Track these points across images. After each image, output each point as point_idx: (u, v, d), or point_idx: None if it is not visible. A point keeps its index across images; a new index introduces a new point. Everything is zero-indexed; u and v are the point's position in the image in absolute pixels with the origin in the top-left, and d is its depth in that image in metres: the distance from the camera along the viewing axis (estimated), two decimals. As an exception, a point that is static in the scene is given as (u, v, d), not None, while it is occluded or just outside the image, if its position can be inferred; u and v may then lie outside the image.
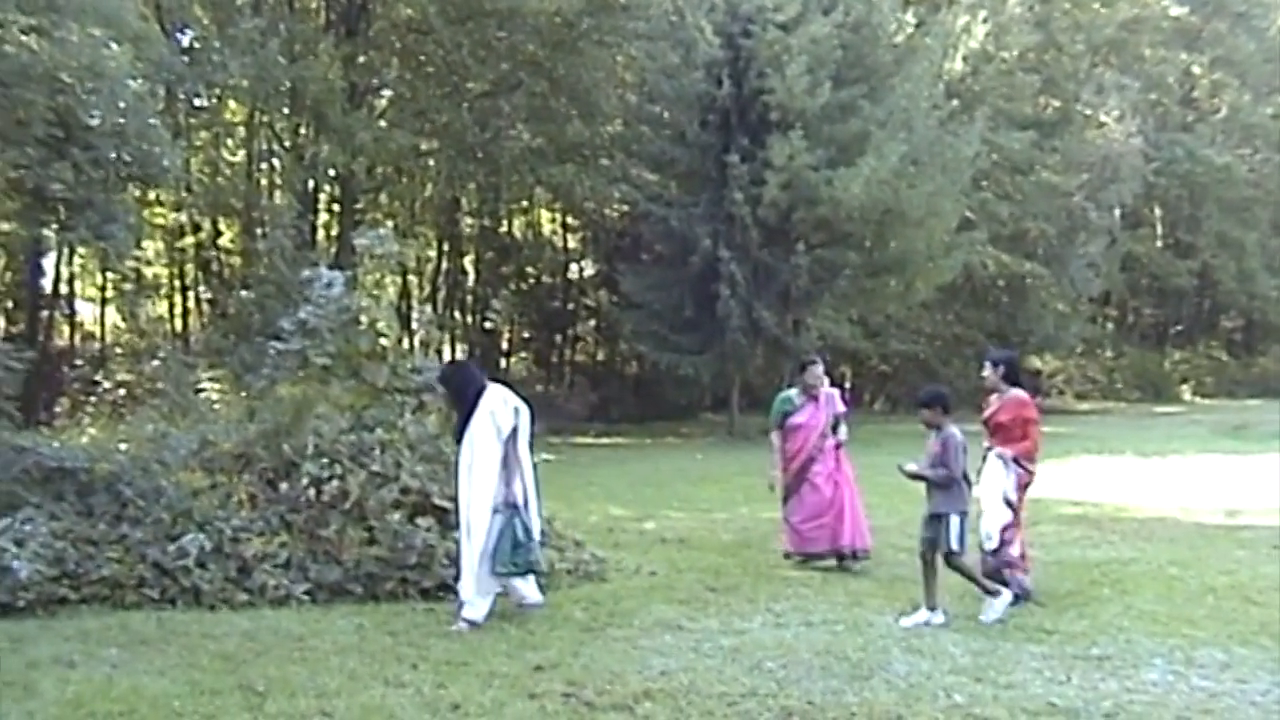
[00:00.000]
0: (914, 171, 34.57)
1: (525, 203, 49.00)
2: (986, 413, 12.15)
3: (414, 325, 25.39)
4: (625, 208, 42.26)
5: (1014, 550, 11.63)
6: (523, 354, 52.47)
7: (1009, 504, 11.46)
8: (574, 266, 51.99)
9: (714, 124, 35.76)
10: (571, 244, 51.99)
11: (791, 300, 35.85)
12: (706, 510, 19.40)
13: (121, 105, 20.79)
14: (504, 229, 50.68)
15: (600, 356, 51.92)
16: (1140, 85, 52.75)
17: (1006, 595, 10.87)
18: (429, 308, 42.50)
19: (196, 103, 35.66)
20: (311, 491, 12.01)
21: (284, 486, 12.23)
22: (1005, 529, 11.42)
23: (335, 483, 11.97)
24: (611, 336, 48.58)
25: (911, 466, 11.29)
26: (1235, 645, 9.91)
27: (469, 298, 50.11)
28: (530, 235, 51.79)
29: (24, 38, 19.40)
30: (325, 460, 12.18)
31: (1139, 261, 57.91)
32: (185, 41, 33.35)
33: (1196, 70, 60.52)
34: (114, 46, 20.69)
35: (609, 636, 10.26)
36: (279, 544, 11.74)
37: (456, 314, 48.21)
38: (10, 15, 19.10)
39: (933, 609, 10.70)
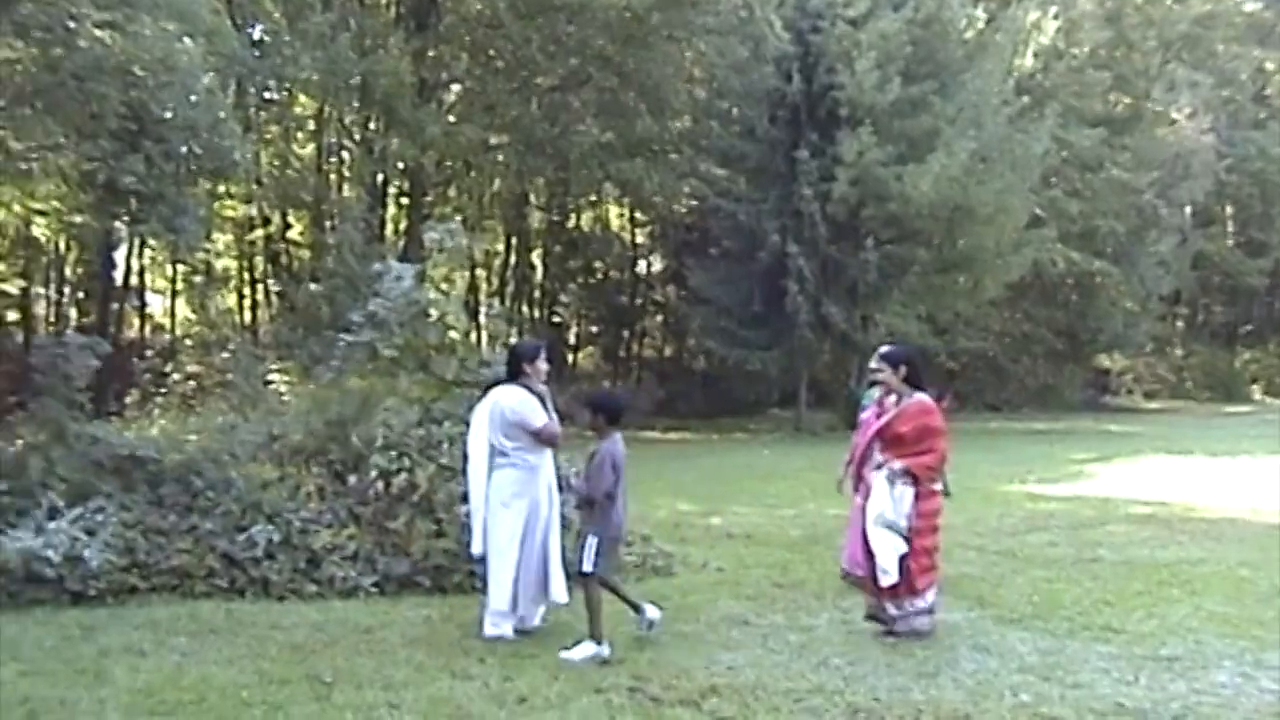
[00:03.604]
0: (983, 168, 34.46)
1: (594, 197, 49.01)
2: (880, 421, 10.54)
3: (482, 319, 25.48)
4: (694, 203, 42.35)
5: (930, 596, 10.22)
6: (590, 349, 52.51)
7: (893, 528, 10.01)
8: (642, 262, 52.08)
9: (783, 119, 35.75)
10: (640, 239, 52.03)
11: (860, 296, 35.79)
12: (774, 506, 19.35)
13: (193, 99, 20.94)
14: (572, 223, 50.81)
15: (668, 352, 51.95)
16: (1212, 82, 52.34)
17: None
18: (497, 302, 42.61)
19: (267, 96, 35.89)
20: (380, 484, 12.07)
21: (352, 479, 12.31)
22: (908, 559, 10.03)
23: (404, 475, 12.01)
24: (679, 332, 48.68)
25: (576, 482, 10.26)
26: (1306, 648, 9.79)
27: (537, 292, 50.22)
28: (598, 230, 51.83)
29: (98, 32, 19.54)
30: (394, 453, 12.21)
31: (1210, 260, 57.42)
32: (256, 35, 33.55)
33: (1269, 66, 59.98)
34: (186, 41, 20.80)
35: (676, 631, 10.25)
36: (347, 536, 11.79)
37: (524, 308, 48.30)
38: (84, 10, 19.24)
39: (599, 643, 9.55)
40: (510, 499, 10.15)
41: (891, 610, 10.08)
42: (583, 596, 9.78)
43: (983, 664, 9.27)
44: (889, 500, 10.04)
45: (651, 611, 9.94)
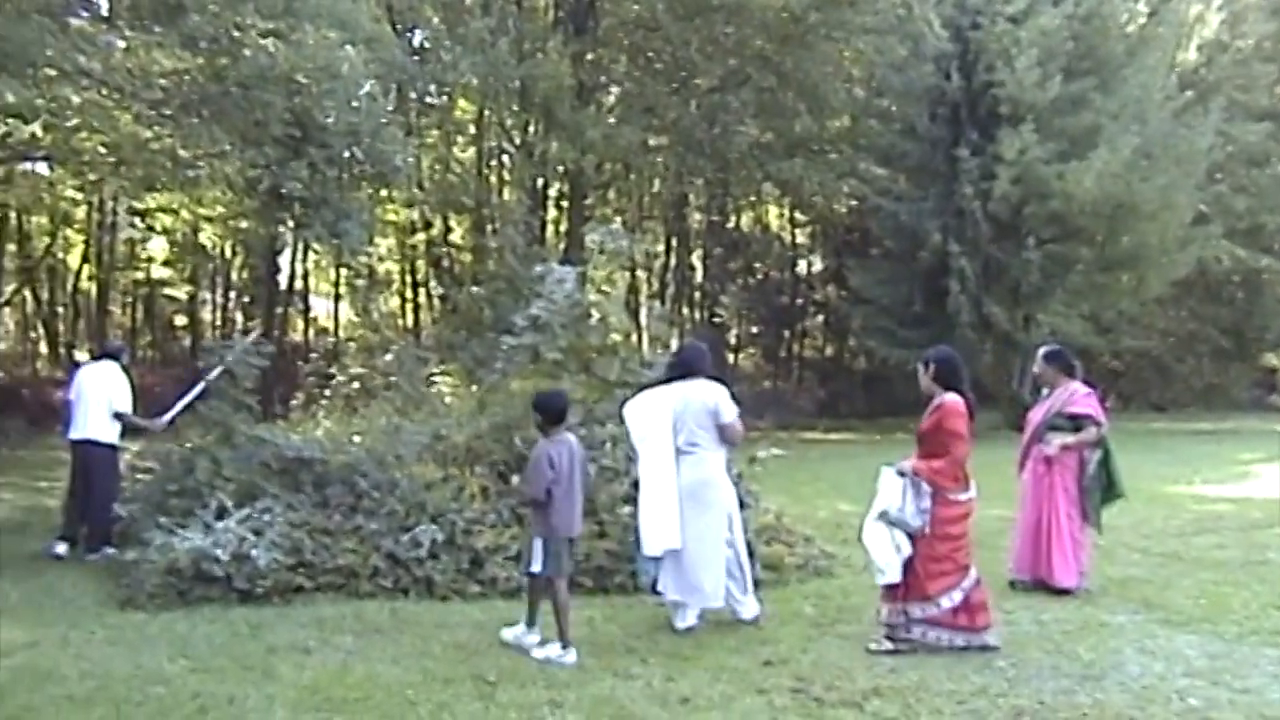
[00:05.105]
0: (1147, 164, 33.91)
1: (753, 198, 49.01)
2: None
3: (643, 320, 25.50)
4: (854, 202, 42.25)
5: (944, 602, 9.57)
6: (751, 349, 52.48)
7: (899, 525, 9.54)
8: (802, 262, 51.95)
9: (943, 117, 35.49)
10: (800, 239, 51.93)
11: (1022, 296, 35.36)
12: (936, 507, 19.14)
13: (355, 105, 21.23)
14: (732, 224, 50.85)
15: (829, 352, 51.79)
16: (1383, 73, 51.17)
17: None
18: (658, 303, 42.65)
19: (427, 101, 36.31)
20: (542, 485, 12.12)
21: (515, 480, 12.35)
22: (915, 561, 9.56)
23: (566, 476, 12.05)
24: (840, 332, 48.54)
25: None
26: None
27: (697, 293, 50.30)
28: (758, 230, 51.84)
29: (262, 41, 19.86)
30: (556, 454, 12.25)
31: (1382, 255, 56.10)
32: (416, 41, 33.97)
33: None
34: (348, 48, 21.07)
35: (838, 633, 10.20)
36: (510, 537, 11.86)
37: (685, 309, 48.39)
38: (249, 20, 19.58)
39: (565, 646, 9.42)
40: (707, 492, 10.33)
41: (885, 615, 9.72)
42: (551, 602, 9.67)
43: (1149, 667, 9.11)
44: (898, 496, 9.61)
45: (551, 650, 9.43)
